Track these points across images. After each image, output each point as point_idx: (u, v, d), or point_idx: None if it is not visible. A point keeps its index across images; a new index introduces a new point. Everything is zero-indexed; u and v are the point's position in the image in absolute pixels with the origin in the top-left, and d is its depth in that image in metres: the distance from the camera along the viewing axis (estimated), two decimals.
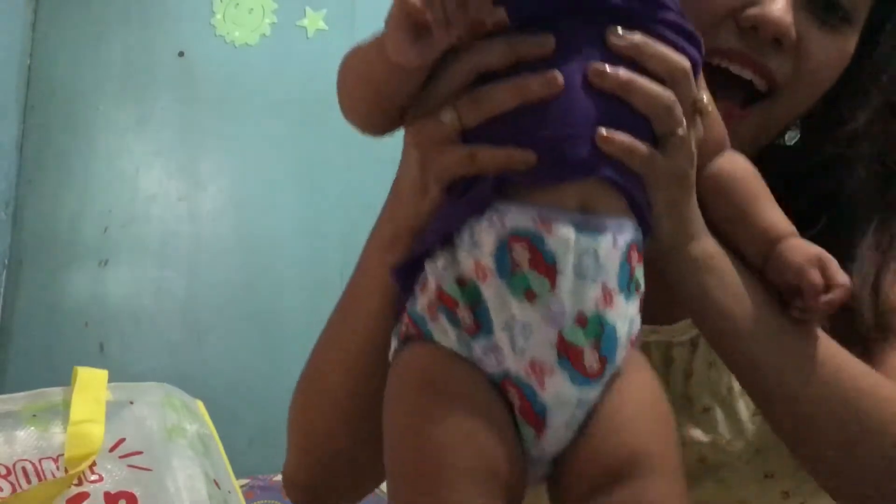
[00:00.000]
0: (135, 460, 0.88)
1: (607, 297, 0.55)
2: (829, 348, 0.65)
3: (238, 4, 2.45)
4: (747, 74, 0.73)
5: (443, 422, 0.52)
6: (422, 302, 0.56)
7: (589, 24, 0.56)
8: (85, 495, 0.83)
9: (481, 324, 0.54)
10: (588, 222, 0.54)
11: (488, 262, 0.54)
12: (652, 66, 0.57)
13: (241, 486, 1.51)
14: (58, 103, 2.43)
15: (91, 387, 0.92)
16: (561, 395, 0.53)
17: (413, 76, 0.57)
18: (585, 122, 0.55)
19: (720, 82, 0.72)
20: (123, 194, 2.40)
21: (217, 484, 0.94)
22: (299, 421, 0.78)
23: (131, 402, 0.93)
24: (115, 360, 2.28)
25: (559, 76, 0.54)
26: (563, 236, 0.53)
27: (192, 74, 2.43)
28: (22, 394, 0.91)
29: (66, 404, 0.89)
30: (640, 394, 0.56)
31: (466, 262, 0.55)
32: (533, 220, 0.54)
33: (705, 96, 0.61)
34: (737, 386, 0.78)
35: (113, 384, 0.94)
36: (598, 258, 0.54)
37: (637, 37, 0.56)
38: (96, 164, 2.42)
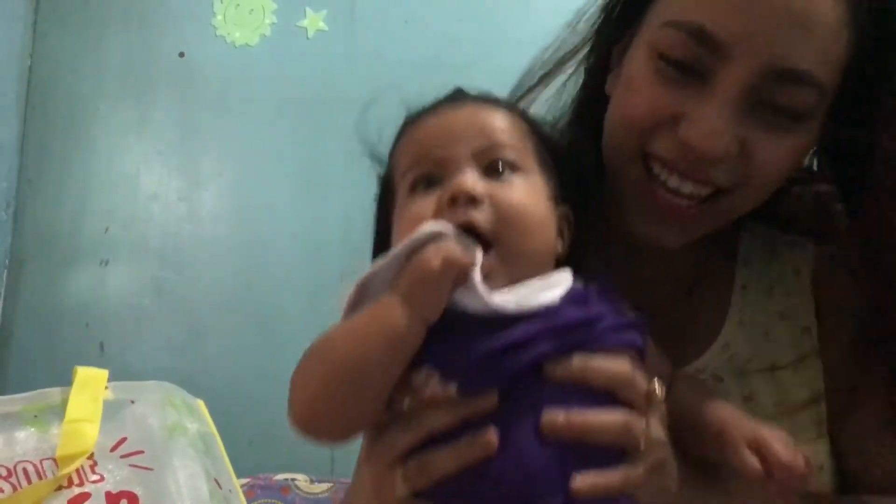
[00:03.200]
0: (136, 460, 0.88)
1: None
2: None
3: (238, 5, 2.46)
4: (687, 188, 0.71)
5: None
6: None
7: (532, 372, 0.59)
8: (87, 495, 0.83)
9: None
10: None
11: None
12: (596, 384, 0.59)
13: (242, 486, 1.51)
14: (58, 103, 2.43)
15: (90, 386, 0.92)
16: None
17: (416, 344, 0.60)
18: (552, 472, 0.57)
19: (660, 199, 0.72)
20: (124, 194, 2.40)
21: (218, 483, 0.94)
22: None
23: (132, 402, 0.93)
24: (116, 359, 2.28)
25: (493, 438, 0.57)
26: None
27: (192, 75, 2.43)
28: (22, 395, 0.91)
29: (66, 404, 0.89)
30: None
31: None
32: None
33: (655, 383, 0.63)
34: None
35: (114, 383, 0.94)
36: None
37: (573, 363, 0.59)
38: (96, 164, 2.42)
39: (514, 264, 0.63)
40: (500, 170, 0.66)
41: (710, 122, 0.68)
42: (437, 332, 0.60)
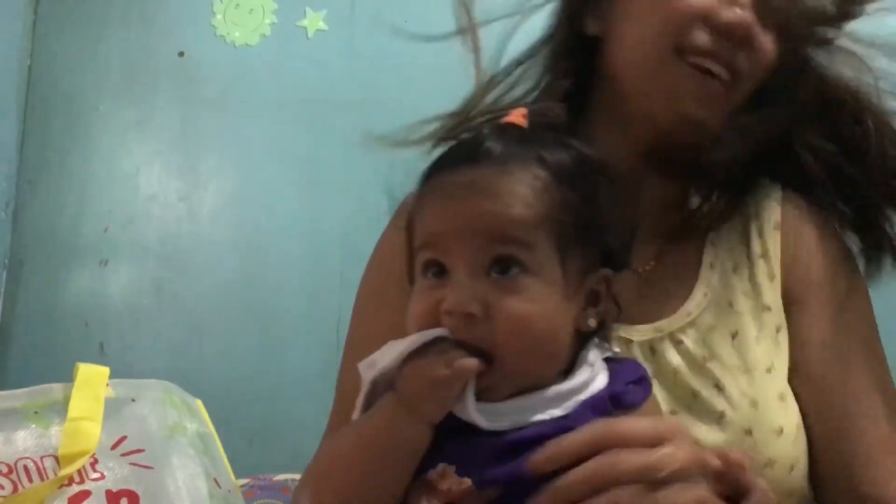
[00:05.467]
0: (136, 458, 0.88)
1: None
2: None
3: (238, 5, 2.46)
4: (722, 73, 0.84)
5: None
6: None
7: None
8: (87, 493, 0.83)
9: None
10: None
11: None
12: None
13: (241, 486, 1.51)
14: (58, 103, 2.43)
15: (91, 384, 0.91)
16: None
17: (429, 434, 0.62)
18: None
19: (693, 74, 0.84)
20: (123, 194, 2.40)
21: (217, 483, 0.94)
22: None
23: (133, 400, 0.93)
24: (115, 359, 2.28)
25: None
26: None
27: (192, 74, 2.43)
28: (23, 390, 0.91)
29: (67, 401, 0.89)
30: None
31: None
32: None
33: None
34: (704, 392, 0.84)
35: (114, 381, 0.94)
36: None
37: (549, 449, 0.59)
38: (96, 164, 2.42)
39: (516, 379, 0.63)
40: (508, 269, 0.64)
41: (743, 6, 0.84)
42: (449, 428, 0.61)
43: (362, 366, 0.66)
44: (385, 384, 0.64)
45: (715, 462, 0.62)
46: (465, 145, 0.71)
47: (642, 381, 0.69)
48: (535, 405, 0.62)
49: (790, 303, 0.89)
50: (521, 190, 0.65)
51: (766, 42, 0.86)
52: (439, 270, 0.65)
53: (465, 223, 0.64)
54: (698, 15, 0.84)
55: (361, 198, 2.25)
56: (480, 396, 0.62)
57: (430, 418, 0.61)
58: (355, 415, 0.66)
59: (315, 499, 0.66)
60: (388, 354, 0.63)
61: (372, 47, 2.37)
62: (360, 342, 0.95)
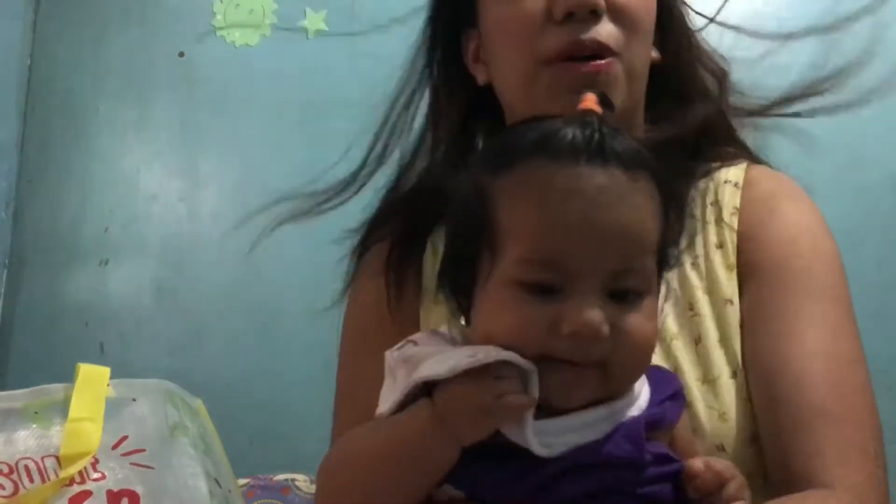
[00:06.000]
0: (137, 458, 0.88)
1: None
2: None
3: (238, 5, 2.46)
4: (588, 52, 0.82)
5: None
6: None
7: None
8: (88, 493, 0.83)
9: None
10: None
11: None
12: None
13: (242, 486, 1.51)
14: (58, 103, 2.43)
15: (92, 384, 0.91)
16: None
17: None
18: None
19: (565, 68, 0.83)
20: (124, 194, 2.40)
21: (218, 483, 0.94)
22: None
23: (134, 399, 0.93)
24: (116, 359, 2.28)
25: None
26: None
27: (192, 74, 2.43)
28: (23, 391, 0.91)
29: (68, 401, 0.89)
30: None
31: None
32: None
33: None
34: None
35: (115, 381, 0.94)
36: None
37: None
38: (96, 164, 2.42)
39: (611, 385, 0.62)
40: (628, 296, 0.61)
41: None
42: (474, 450, 0.60)
43: (396, 355, 0.65)
44: (421, 359, 0.62)
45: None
46: (576, 135, 0.62)
47: (677, 396, 0.68)
48: (594, 420, 0.61)
49: (742, 283, 0.85)
50: (651, 207, 0.63)
51: None
52: (546, 287, 0.60)
53: (598, 238, 0.60)
54: (538, 18, 0.83)
55: (361, 198, 2.25)
56: (543, 410, 0.60)
57: (464, 442, 0.59)
58: (383, 407, 0.64)
59: (330, 484, 0.65)
60: (443, 363, 0.60)
61: (372, 47, 2.37)
62: (351, 388, 0.94)
